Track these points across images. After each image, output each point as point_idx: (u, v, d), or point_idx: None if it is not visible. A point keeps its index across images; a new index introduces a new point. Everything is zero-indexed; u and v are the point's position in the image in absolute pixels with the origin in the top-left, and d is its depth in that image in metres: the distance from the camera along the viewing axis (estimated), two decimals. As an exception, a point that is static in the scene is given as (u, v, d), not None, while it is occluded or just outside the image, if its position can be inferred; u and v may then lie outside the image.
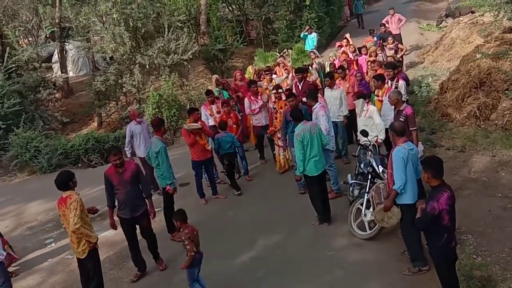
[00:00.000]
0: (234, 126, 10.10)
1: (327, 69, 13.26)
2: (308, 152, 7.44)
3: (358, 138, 8.74)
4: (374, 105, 9.95)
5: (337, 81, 10.70)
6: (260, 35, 22.71)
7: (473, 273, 5.73)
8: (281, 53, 15.86)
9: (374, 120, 8.50)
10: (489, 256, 6.16)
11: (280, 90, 9.95)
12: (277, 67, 13.15)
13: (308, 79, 11.06)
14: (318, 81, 12.07)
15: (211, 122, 10.42)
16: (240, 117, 10.63)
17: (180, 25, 18.34)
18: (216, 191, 9.62)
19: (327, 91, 9.99)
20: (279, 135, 9.64)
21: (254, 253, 7.37)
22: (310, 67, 12.84)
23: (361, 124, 8.64)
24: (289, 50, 16.47)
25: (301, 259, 7.00)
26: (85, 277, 6.29)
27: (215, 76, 12.80)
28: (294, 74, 11.23)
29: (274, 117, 9.79)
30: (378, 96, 9.40)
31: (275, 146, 10.08)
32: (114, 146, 8.21)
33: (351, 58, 13.08)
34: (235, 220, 8.60)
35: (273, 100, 10.14)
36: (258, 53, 12.23)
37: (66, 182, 6.02)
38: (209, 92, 10.88)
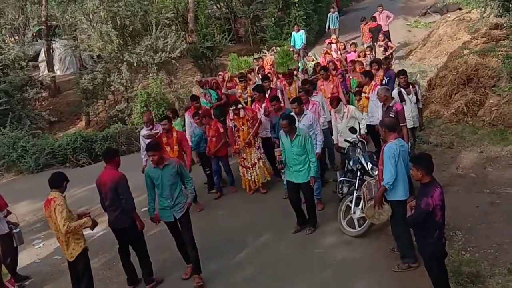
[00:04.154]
0: (214, 139, 9.00)
1: (311, 70, 13.11)
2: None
3: (335, 142, 8.63)
4: (353, 104, 9.90)
5: (319, 82, 10.19)
6: (249, 32, 22.70)
7: (461, 269, 5.74)
8: (270, 52, 15.83)
9: (357, 117, 8.42)
10: (478, 252, 6.19)
11: (239, 106, 8.84)
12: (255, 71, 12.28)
13: (293, 85, 10.02)
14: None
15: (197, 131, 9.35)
16: (222, 129, 9.25)
17: (168, 22, 18.32)
18: (196, 200, 8.78)
19: None
20: (244, 155, 8.94)
21: (244, 254, 7.30)
22: (295, 71, 11.84)
23: (343, 127, 8.36)
24: (278, 48, 16.37)
25: (291, 258, 6.97)
26: (75, 278, 6.23)
27: (197, 78, 12.18)
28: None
29: (236, 135, 8.88)
30: (365, 92, 9.31)
31: (239, 166, 9.13)
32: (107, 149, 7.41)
33: (335, 58, 12.96)
34: (224, 223, 8.46)
35: (231, 117, 8.93)
36: (232, 59, 11.37)
37: (60, 182, 6.03)
38: (195, 98, 9.96)
